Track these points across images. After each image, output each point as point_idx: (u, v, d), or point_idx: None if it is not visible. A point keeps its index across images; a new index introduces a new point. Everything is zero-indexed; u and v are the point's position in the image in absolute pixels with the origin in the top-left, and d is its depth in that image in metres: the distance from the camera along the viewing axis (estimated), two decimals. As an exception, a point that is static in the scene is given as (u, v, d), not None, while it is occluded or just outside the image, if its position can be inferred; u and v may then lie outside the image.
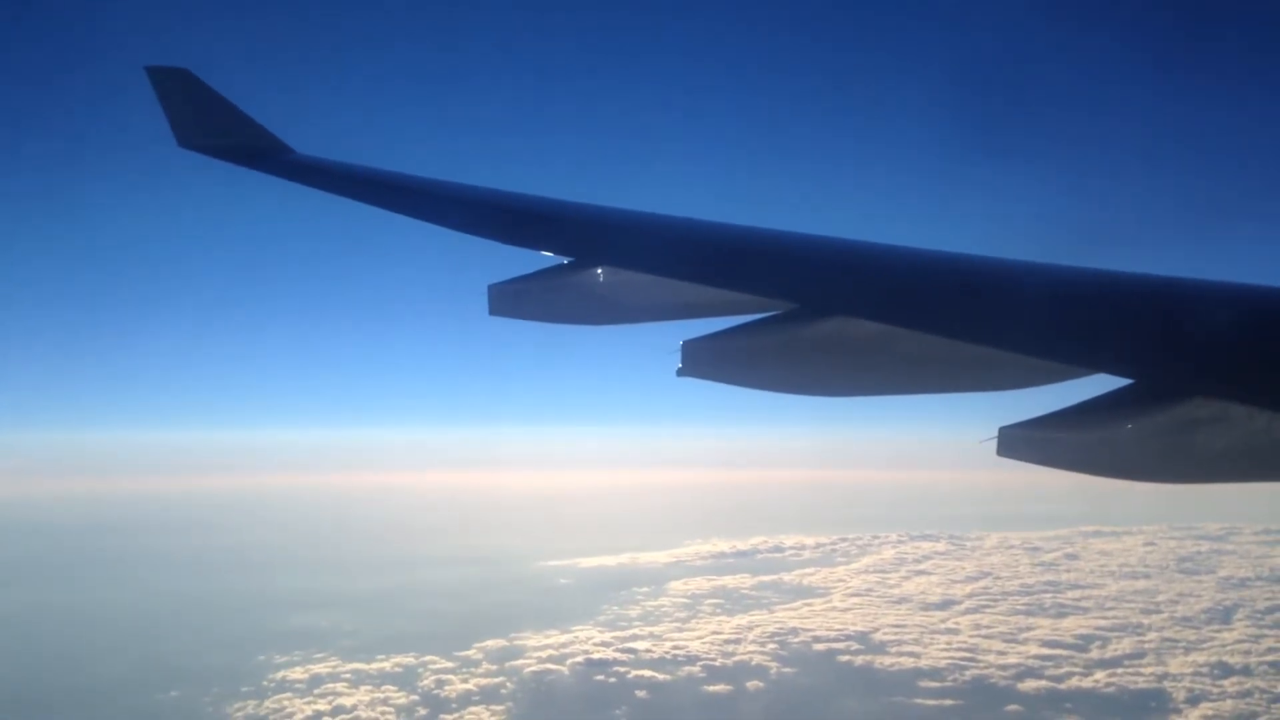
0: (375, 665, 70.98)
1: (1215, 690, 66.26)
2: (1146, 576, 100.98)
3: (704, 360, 5.43)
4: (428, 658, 72.11)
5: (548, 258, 6.53)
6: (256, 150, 8.86)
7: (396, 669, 70.34)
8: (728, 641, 76.37)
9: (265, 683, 67.77)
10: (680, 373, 5.40)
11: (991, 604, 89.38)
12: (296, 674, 69.28)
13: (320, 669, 70.19)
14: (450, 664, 71.28)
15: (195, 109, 8.83)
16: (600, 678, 68.70)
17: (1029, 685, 67.16)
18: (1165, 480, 4.46)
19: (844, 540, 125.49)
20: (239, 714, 62.40)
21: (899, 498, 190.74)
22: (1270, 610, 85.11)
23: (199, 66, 8.86)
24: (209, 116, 8.85)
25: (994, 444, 4.31)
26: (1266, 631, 78.68)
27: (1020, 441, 4.29)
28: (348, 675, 68.98)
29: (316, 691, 65.98)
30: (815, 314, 5.30)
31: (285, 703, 63.92)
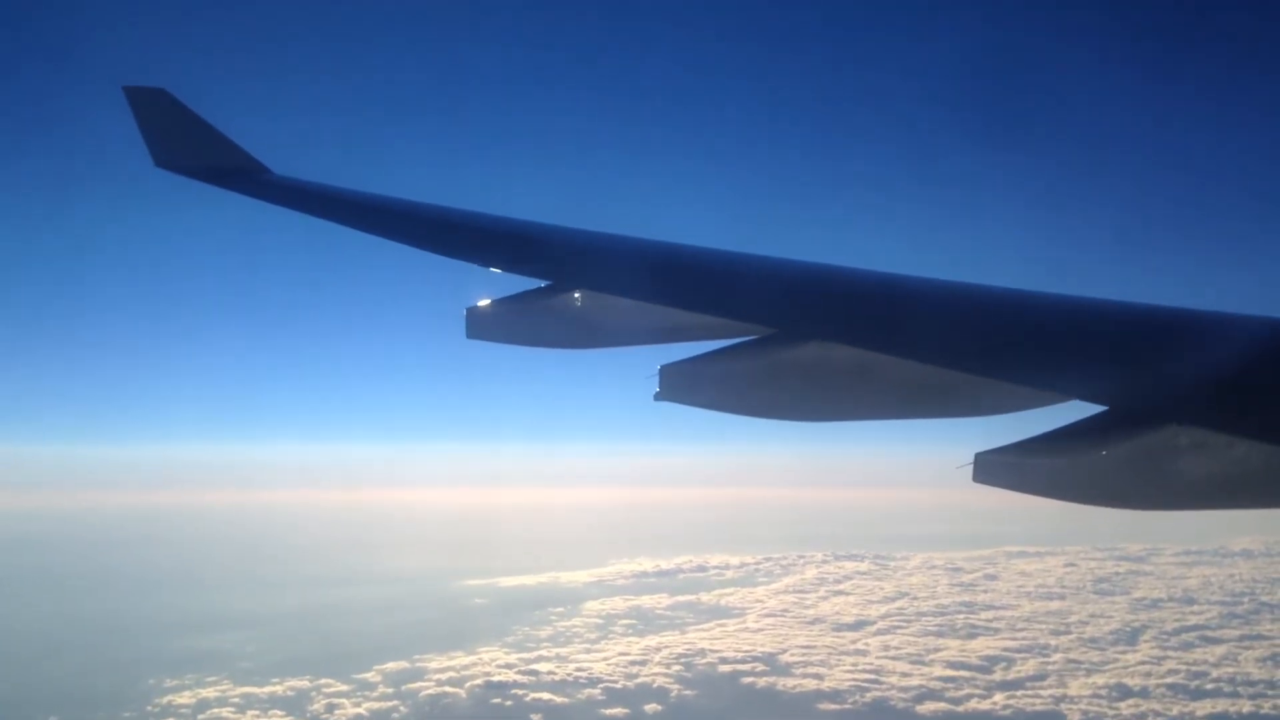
0: (268, 689, 69.41)
1: (1111, 712, 66.52)
2: (1061, 597, 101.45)
3: (682, 385, 5.41)
4: (323, 681, 70.61)
5: (525, 281, 6.44)
6: (234, 171, 8.78)
7: (289, 693, 68.79)
8: (633, 663, 75.60)
9: (150, 707, 66.03)
10: (658, 397, 5.37)
11: (904, 625, 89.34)
12: (184, 698, 67.56)
13: (209, 693, 68.51)
14: (346, 687, 69.85)
15: (172, 129, 8.76)
16: (497, 701, 67.66)
17: (928, 707, 67.01)
18: (1137, 506, 4.52)
19: (768, 560, 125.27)
20: (116, 740, 60.72)
21: (838, 517, 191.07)
22: (1177, 631, 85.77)
23: (176, 86, 8.83)
24: (186, 136, 8.78)
25: (970, 469, 4.33)
26: (1170, 653, 79.20)
27: (996, 467, 4.32)
28: (237, 699, 67.36)
29: (201, 717, 64.36)
30: (793, 339, 5.33)
31: (165, 728, 62.32)
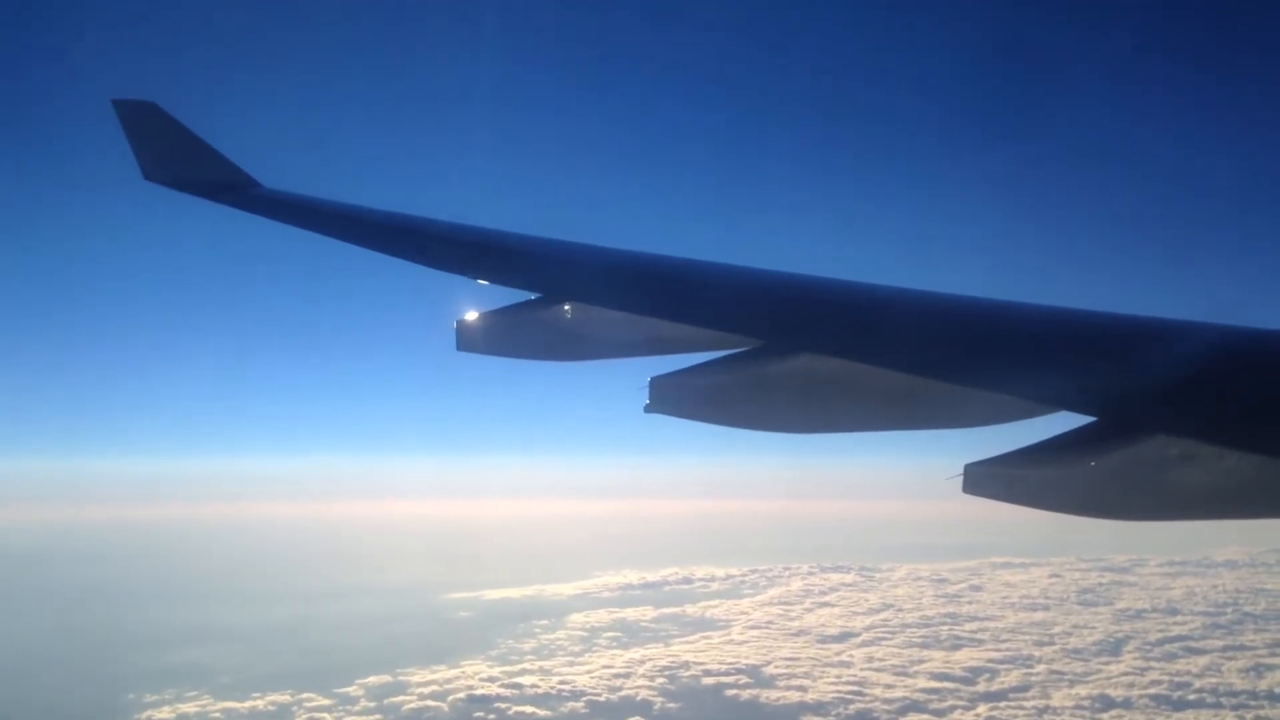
0: (249, 703, 68.99)
1: (1093, 724, 66.51)
2: (1045, 608, 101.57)
3: (672, 397, 5.38)
4: (305, 695, 70.21)
5: (515, 293, 6.44)
6: (223, 184, 8.74)
7: (270, 707, 68.40)
8: (617, 676, 75.37)
9: (127, 723, 65.61)
10: (648, 409, 5.34)
11: (889, 636, 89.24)
12: (164, 713, 67.16)
13: (189, 708, 68.07)
14: (327, 701, 69.48)
15: (161, 142, 8.74)
16: (480, 714, 67.30)
17: (911, 719, 66.86)
18: (1126, 517, 4.44)
19: (754, 572, 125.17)
20: (93, 755, 60.24)
21: (825, 529, 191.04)
22: (1160, 642, 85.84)
23: (166, 100, 8.80)
24: (175, 149, 8.76)
25: (959, 480, 4.31)
26: (1153, 664, 79.25)
27: (985, 478, 4.31)
28: (217, 714, 66.98)
29: (180, 731, 63.96)
30: (782, 351, 5.32)
31: (143, 743, 61.84)
